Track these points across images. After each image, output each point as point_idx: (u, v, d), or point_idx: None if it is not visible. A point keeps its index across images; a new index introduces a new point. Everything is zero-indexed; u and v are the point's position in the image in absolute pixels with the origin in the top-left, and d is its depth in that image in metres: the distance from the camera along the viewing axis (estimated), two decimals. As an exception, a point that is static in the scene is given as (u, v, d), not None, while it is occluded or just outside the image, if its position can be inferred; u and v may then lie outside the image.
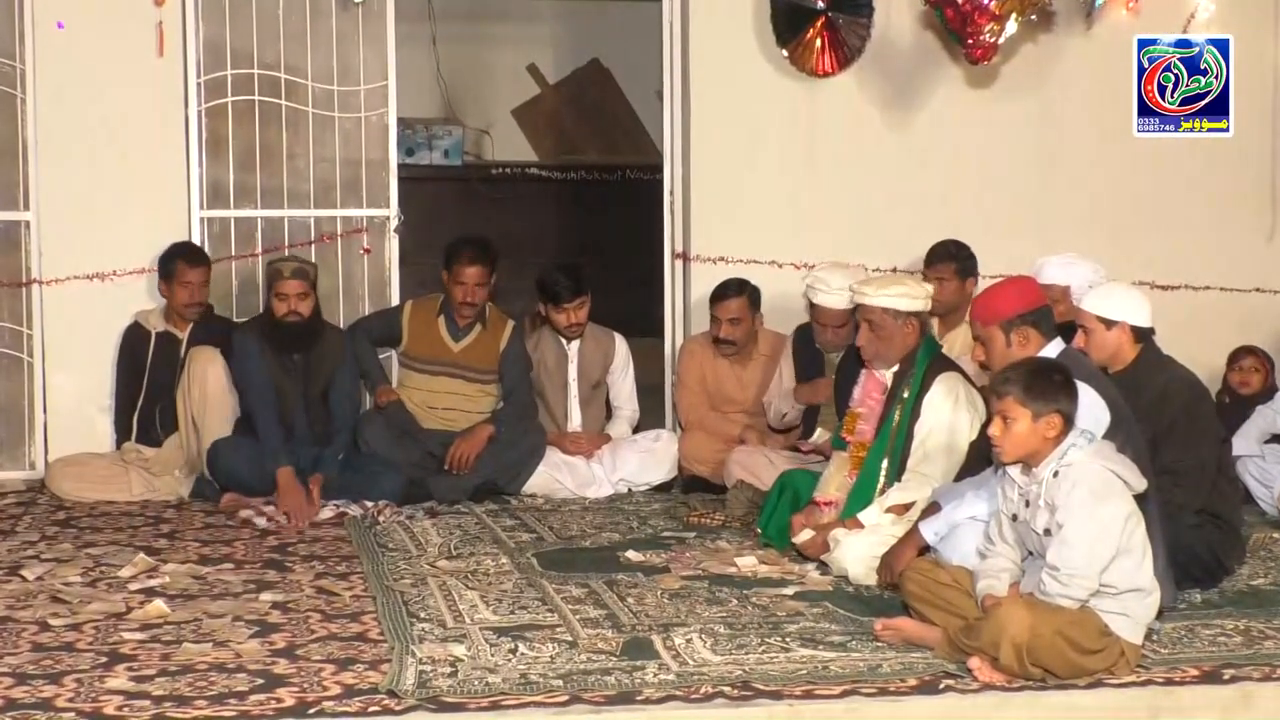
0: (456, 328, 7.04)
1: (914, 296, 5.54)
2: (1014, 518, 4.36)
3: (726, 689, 4.04)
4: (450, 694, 3.97)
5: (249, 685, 4.05)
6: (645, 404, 7.54)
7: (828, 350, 6.63)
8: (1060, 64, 7.75)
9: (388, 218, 7.50)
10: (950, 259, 6.77)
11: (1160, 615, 4.43)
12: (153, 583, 5.20)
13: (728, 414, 7.13)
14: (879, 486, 5.48)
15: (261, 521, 6.23)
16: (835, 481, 5.67)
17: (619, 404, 7.40)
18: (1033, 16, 7.12)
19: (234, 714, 3.83)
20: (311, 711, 3.85)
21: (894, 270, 7.30)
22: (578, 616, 4.76)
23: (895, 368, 5.58)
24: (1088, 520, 4.14)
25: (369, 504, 6.44)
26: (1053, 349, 4.89)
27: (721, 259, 7.47)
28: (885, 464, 5.50)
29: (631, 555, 5.64)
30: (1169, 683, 4.17)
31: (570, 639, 4.50)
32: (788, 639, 4.51)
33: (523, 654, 4.33)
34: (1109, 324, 5.24)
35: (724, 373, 7.13)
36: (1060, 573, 4.13)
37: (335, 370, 6.85)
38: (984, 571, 4.39)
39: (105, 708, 3.86)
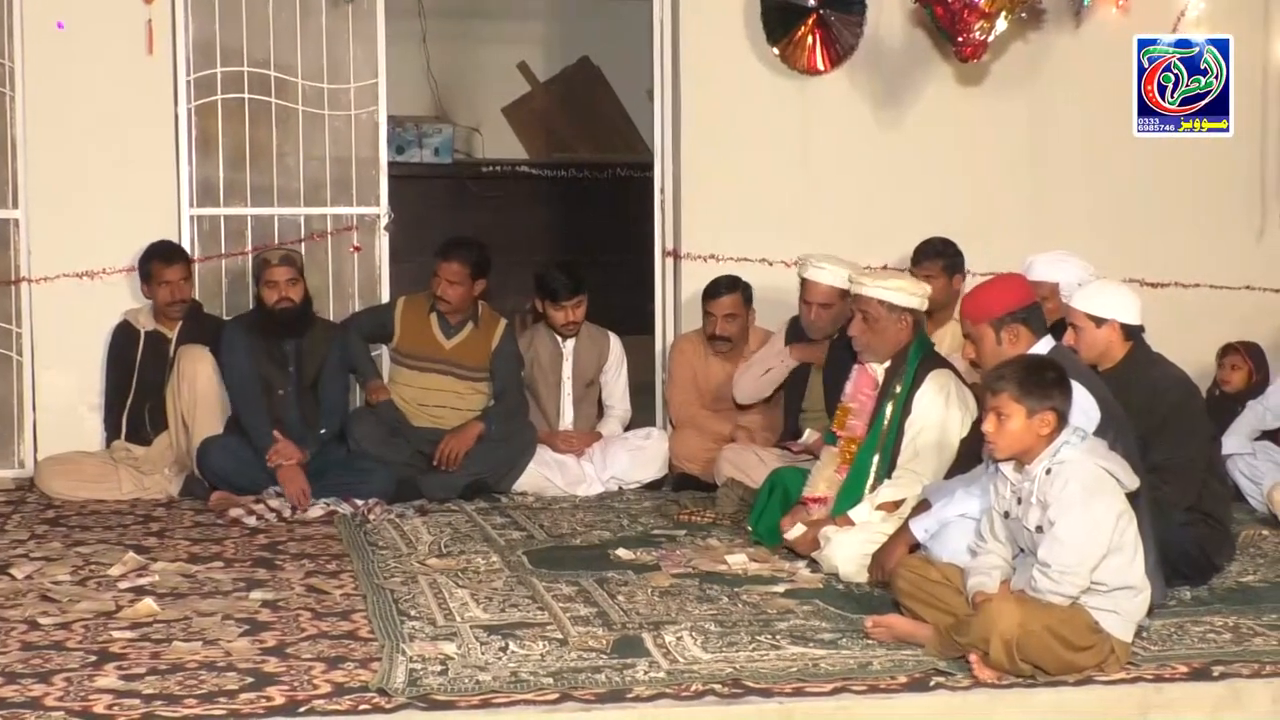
0: (448, 325, 7.03)
1: (911, 293, 5.55)
2: (1006, 515, 4.37)
3: (717, 687, 4.04)
4: (441, 692, 3.97)
5: (239, 684, 4.04)
6: (636, 402, 7.54)
7: (812, 332, 6.62)
8: (1050, 62, 7.76)
9: (378, 216, 7.50)
10: (937, 256, 6.79)
11: (1150, 612, 4.44)
12: (142, 581, 5.19)
13: (719, 412, 7.13)
14: (869, 483, 5.49)
15: (251, 520, 6.23)
16: (825, 477, 5.67)
17: (611, 403, 7.41)
18: (1022, 14, 7.14)
19: (224, 712, 3.82)
20: (301, 710, 3.85)
21: (884, 267, 7.30)
22: (568, 614, 4.75)
23: (887, 364, 5.58)
24: (1080, 517, 4.14)
25: (359, 502, 6.44)
26: (1043, 346, 4.90)
27: (712, 257, 7.47)
28: (876, 460, 5.50)
29: (622, 553, 5.64)
30: (1158, 680, 4.17)
31: (561, 637, 4.50)
32: (778, 636, 4.51)
33: (513, 652, 4.33)
34: (1099, 322, 5.25)
35: (715, 370, 7.13)
36: (1051, 569, 4.13)
37: (325, 359, 6.86)
38: (975, 568, 4.39)
39: (95, 706, 3.86)
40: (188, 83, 7.24)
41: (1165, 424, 5.15)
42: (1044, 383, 4.26)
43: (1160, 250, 7.83)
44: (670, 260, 7.67)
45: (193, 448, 6.68)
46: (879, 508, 5.38)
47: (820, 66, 7.57)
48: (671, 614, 4.78)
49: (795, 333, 6.81)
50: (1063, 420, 4.26)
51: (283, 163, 7.43)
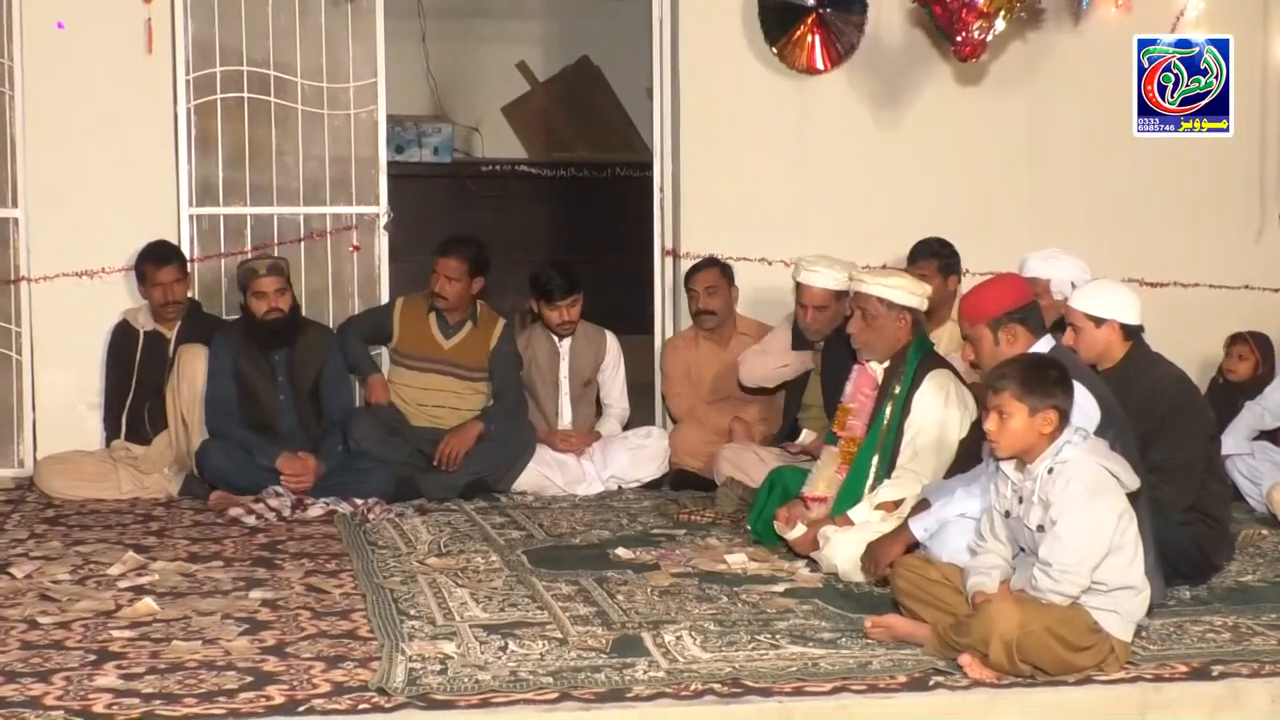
0: (447, 325, 7.04)
1: (911, 292, 5.54)
2: (1006, 514, 4.36)
3: (716, 686, 4.03)
4: (440, 691, 3.97)
5: (238, 683, 4.04)
6: (635, 401, 7.55)
7: (809, 334, 6.64)
8: (1049, 61, 7.77)
9: (377, 215, 7.50)
10: (933, 256, 6.79)
11: (1149, 612, 4.44)
12: (142, 580, 5.19)
13: (716, 404, 7.14)
14: (869, 483, 5.48)
15: (251, 519, 6.22)
16: (824, 477, 5.67)
17: (609, 402, 7.41)
18: (1021, 14, 7.14)
19: (223, 712, 3.82)
20: (301, 709, 3.85)
21: (883, 267, 7.29)
22: (568, 614, 4.75)
23: (886, 364, 5.58)
24: (1081, 517, 4.14)
25: (358, 501, 6.44)
26: (1043, 346, 4.89)
27: (709, 256, 7.47)
28: (875, 460, 5.50)
29: (621, 552, 5.64)
30: (1158, 679, 4.17)
31: (560, 636, 4.50)
32: (777, 636, 4.51)
33: (513, 651, 4.33)
34: (1098, 322, 5.25)
35: (707, 359, 7.16)
36: (1052, 569, 4.13)
37: (323, 366, 6.86)
38: (974, 568, 4.39)
39: (94, 705, 3.85)
40: (187, 82, 7.24)
41: (1164, 424, 5.15)
42: (1046, 381, 4.26)
43: (1159, 250, 7.83)
44: (669, 259, 7.67)
45: (192, 447, 6.69)
46: (878, 507, 5.37)
47: (819, 66, 7.57)
48: (671, 613, 4.78)
49: (798, 332, 6.81)
50: (1065, 419, 4.26)
51: (282, 162, 7.43)
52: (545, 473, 6.96)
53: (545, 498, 6.85)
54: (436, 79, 10.28)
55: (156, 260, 6.93)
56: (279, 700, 3.90)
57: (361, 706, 3.87)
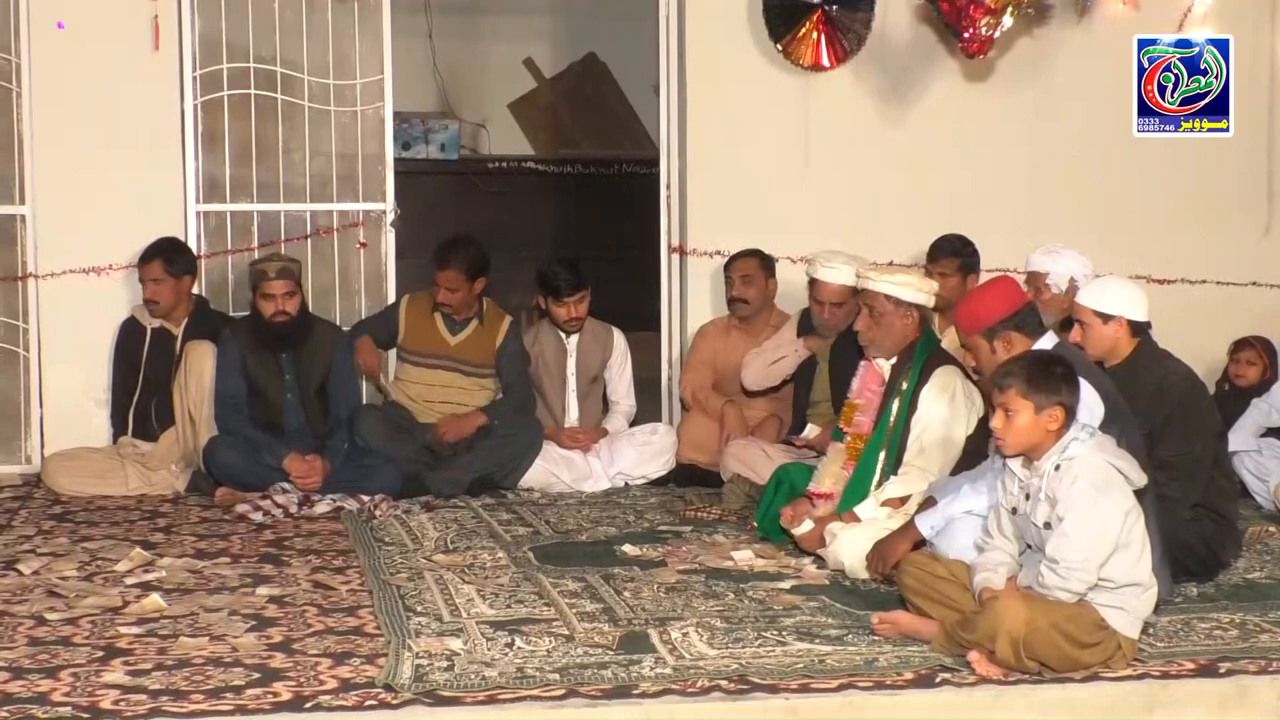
0: (452, 321, 7.05)
1: (918, 289, 5.54)
2: (1013, 511, 4.36)
3: (723, 683, 4.04)
4: (447, 688, 3.97)
5: (245, 679, 4.04)
6: (642, 398, 7.54)
7: (825, 331, 6.64)
8: (1056, 58, 7.75)
9: (384, 212, 7.50)
10: (954, 255, 6.77)
11: (1156, 609, 4.43)
12: (149, 577, 5.19)
13: (728, 396, 7.12)
14: (875, 479, 5.48)
15: (258, 516, 6.23)
16: (830, 473, 5.67)
17: (616, 398, 7.41)
18: (1029, 10, 7.12)
19: (230, 708, 3.83)
20: (308, 705, 3.85)
21: (890, 264, 7.29)
22: (574, 610, 4.76)
23: (894, 360, 5.57)
24: (1088, 514, 4.14)
25: (365, 498, 6.44)
26: (1046, 343, 4.89)
27: (718, 252, 7.47)
28: (882, 457, 5.50)
29: (628, 549, 5.64)
30: (1165, 676, 4.17)
31: (567, 633, 4.50)
32: (784, 633, 4.51)
33: (519, 648, 4.33)
34: (1105, 318, 5.24)
35: (736, 348, 7.13)
36: (1059, 566, 4.13)
37: (331, 364, 6.86)
38: (981, 565, 4.39)
39: (101, 702, 3.86)
40: (194, 79, 7.24)
41: (1171, 420, 5.14)
42: (1052, 378, 4.25)
43: (1166, 247, 7.82)
44: (676, 256, 7.66)
45: (199, 443, 6.69)
46: (884, 504, 5.38)
47: (825, 62, 7.56)
48: (678, 610, 4.78)
49: (807, 324, 6.81)
50: (1071, 416, 4.26)
51: (289, 159, 7.44)
52: (552, 469, 6.96)
53: (552, 494, 6.85)
54: (443, 75, 10.29)
55: (142, 257, 6.94)
56: (286, 696, 3.91)
57: (368, 703, 3.88)
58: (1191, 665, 4.25)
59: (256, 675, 4.08)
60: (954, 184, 7.68)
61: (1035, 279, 6.40)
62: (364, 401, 7.15)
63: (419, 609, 4.77)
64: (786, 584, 5.13)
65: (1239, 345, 7.17)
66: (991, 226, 7.43)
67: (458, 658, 4.22)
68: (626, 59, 10.08)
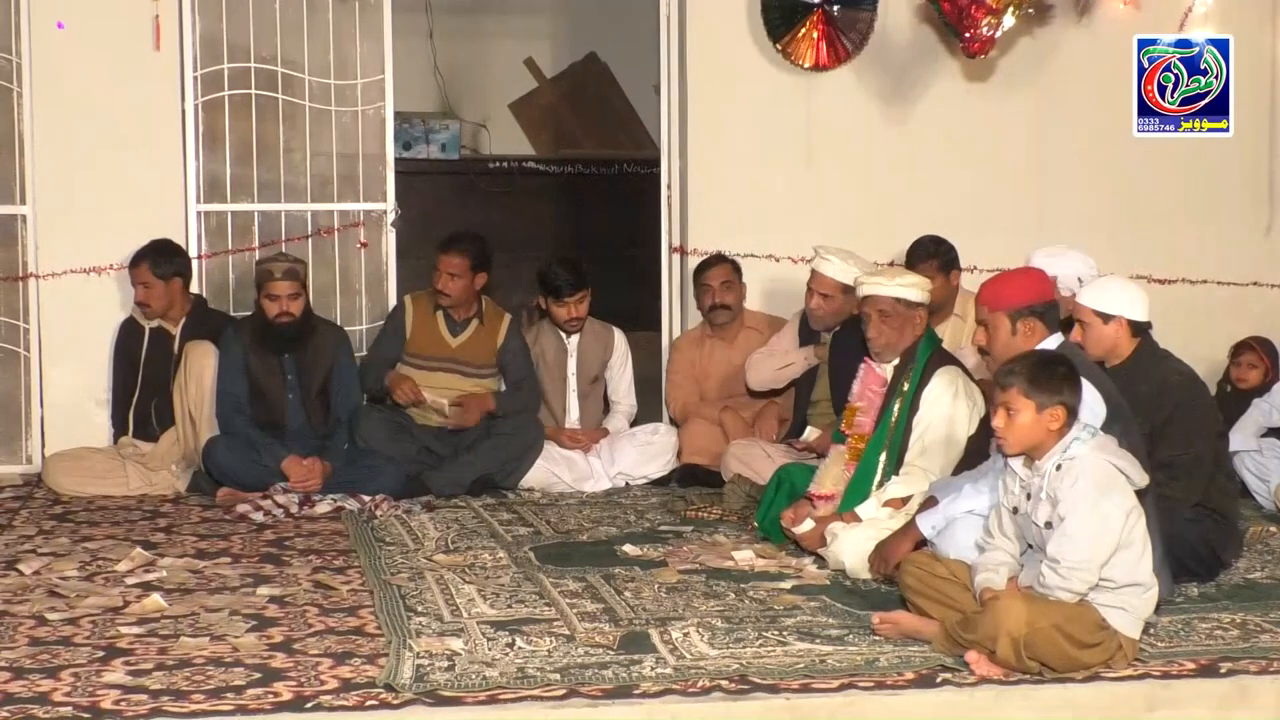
0: (454, 322, 7.04)
1: (922, 289, 5.57)
2: (1015, 511, 4.36)
3: (724, 683, 4.04)
4: (447, 688, 3.97)
5: (246, 679, 4.04)
6: (643, 398, 7.54)
7: (813, 322, 6.65)
8: (1057, 58, 7.75)
9: (385, 212, 7.50)
10: (930, 257, 6.78)
11: (1157, 609, 4.43)
12: (150, 577, 5.20)
13: (722, 402, 7.12)
14: (876, 480, 5.48)
15: (258, 516, 6.23)
16: (831, 475, 5.67)
17: (617, 398, 7.41)
18: (1029, 10, 7.12)
19: (231, 708, 3.83)
20: (308, 705, 3.85)
21: (890, 264, 7.29)
22: (575, 610, 4.76)
23: (895, 361, 5.58)
24: (1089, 514, 4.14)
25: (366, 498, 6.44)
26: (1051, 343, 4.89)
27: (719, 253, 7.47)
28: (883, 457, 5.50)
29: (629, 549, 5.64)
30: (1166, 676, 4.17)
31: (568, 633, 4.50)
32: (785, 633, 4.51)
33: (520, 648, 4.33)
34: (1106, 318, 5.24)
35: (713, 357, 7.16)
36: (1060, 566, 4.13)
37: (333, 365, 6.86)
38: (982, 565, 4.39)
39: (102, 702, 3.86)
40: (195, 79, 7.25)
41: (1172, 420, 5.14)
42: (1054, 378, 4.25)
43: (1167, 247, 7.82)
44: (677, 256, 7.67)
45: (200, 443, 6.69)
46: (886, 504, 5.37)
47: (826, 62, 7.56)
48: (678, 610, 4.78)
49: (807, 323, 6.81)
50: (1072, 416, 4.26)
51: (289, 159, 7.44)
52: (553, 469, 6.96)
53: (553, 494, 6.85)
54: (444, 75, 10.29)
55: (131, 261, 6.95)
56: (287, 697, 3.91)
57: (369, 703, 3.88)
58: (1192, 665, 4.25)
59: (257, 675, 4.08)
60: (955, 184, 7.68)
61: None
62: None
63: (420, 609, 4.77)
64: (787, 584, 5.13)
65: (1239, 348, 7.16)
66: (992, 226, 7.44)
67: (458, 658, 4.22)
68: (627, 59, 10.08)
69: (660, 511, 6.45)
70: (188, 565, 5.39)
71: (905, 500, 5.33)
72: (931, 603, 4.48)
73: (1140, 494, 4.30)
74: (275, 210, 7.41)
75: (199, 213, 7.31)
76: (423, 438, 6.89)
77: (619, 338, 7.40)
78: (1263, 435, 6.60)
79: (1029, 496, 4.29)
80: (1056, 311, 5.04)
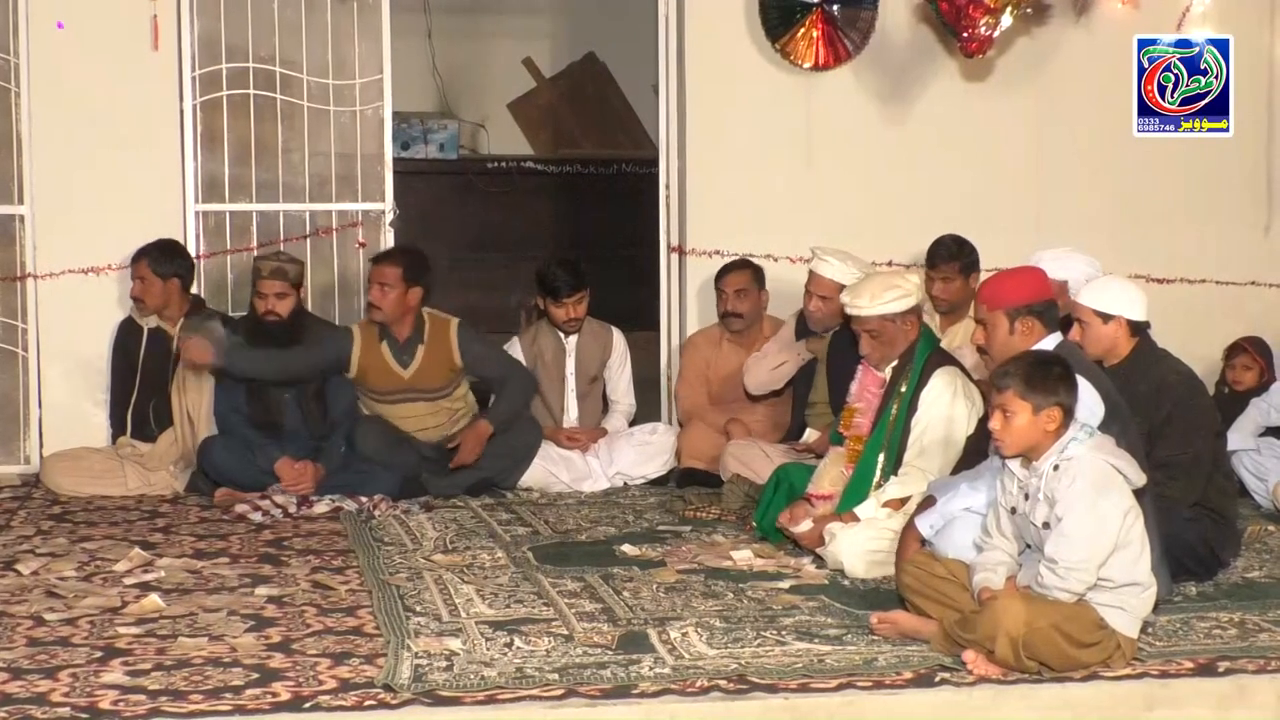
0: (399, 349, 6.79)
1: (906, 294, 5.53)
2: (1013, 511, 4.36)
3: (722, 682, 4.03)
4: (446, 688, 3.97)
5: (244, 679, 4.04)
6: (641, 398, 7.54)
7: (812, 323, 6.64)
8: (1056, 57, 7.75)
9: (383, 211, 7.50)
10: (954, 259, 6.77)
11: (1155, 608, 4.43)
12: (148, 577, 5.19)
13: (727, 405, 7.11)
14: (875, 480, 5.48)
15: (257, 516, 6.23)
16: (830, 475, 5.67)
17: (615, 398, 7.40)
18: (1028, 9, 7.13)
19: (229, 708, 3.82)
20: (307, 706, 3.85)
21: (889, 264, 7.30)
22: (573, 610, 4.75)
23: (894, 362, 5.58)
24: (1087, 514, 4.14)
25: (364, 498, 6.43)
26: (1050, 342, 4.89)
27: (717, 252, 7.47)
28: (882, 458, 5.50)
29: (627, 549, 5.64)
30: (1164, 675, 4.17)
31: (566, 633, 4.50)
32: (783, 632, 4.51)
33: (518, 648, 4.33)
34: (1105, 318, 5.24)
35: (728, 360, 7.12)
36: (1058, 566, 4.13)
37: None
38: (980, 564, 4.39)
39: (100, 702, 3.86)
40: (193, 79, 7.24)
41: (1171, 420, 5.14)
42: (1050, 379, 4.25)
43: (1166, 246, 7.82)
44: (675, 256, 7.66)
45: (198, 443, 6.68)
46: (885, 504, 5.37)
47: (825, 62, 7.56)
48: (677, 610, 4.78)
49: (803, 325, 6.81)
50: (1069, 416, 4.26)
51: (288, 159, 7.44)
52: (551, 469, 6.95)
53: (551, 494, 6.85)
54: (442, 75, 10.29)
55: (134, 255, 6.94)
56: (285, 697, 3.90)
57: (367, 703, 3.87)
58: (1191, 664, 4.25)
59: (255, 675, 4.07)
60: (954, 183, 7.68)
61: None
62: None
63: (418, 609, 4.76)
64: (786, 584, 5.13)
65: (1233, 350, 7.16)
66: (991, 226, 7.43)
67: (457, 658, 4.22)
68: (626, 59, 10.08)
69: (659, 511, 6.44)
70: (186, 565, 5.38)
71: (904, 501, 5.33)
72: (930, 602, 4.48)
73: (1139, 493, 4.30)
74: (273, 210, 7.41)
75: (197, 212, 7.31)
76: (421, 449, 6.83)
77: (618, 338, 7.39)
78: (1261, 435, 6.60)
79: (1027, 497, 4.29)
80: (1055, 310, 5.04)
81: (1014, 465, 4.34)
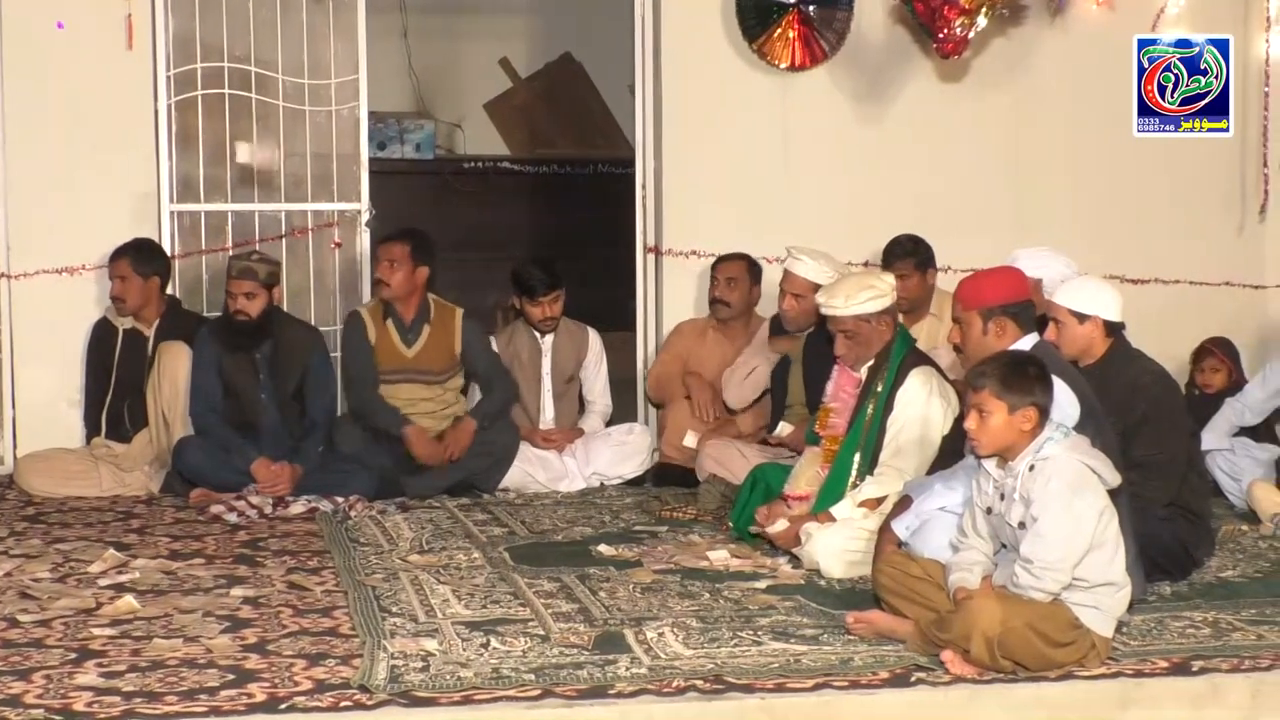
0: (405, 329, 6.90)
1: (881, 294, 5.54)
2: (988, 511, 4.37)
3: (698, 683, 4.04)
4: (422, 689, 3.96)
5: (220, 681, 4.03)
6: (617, 398, 7.54)
7: (787, 323, 6.65)
8: (1032, 58, 7.77)
9: (359, 211, 7.49)
10: (908, 255, 6.79)
11: (1130, 607, 4.45)
12: (123, 578, 5.17)
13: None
14: (851, 480, 5.49)
15: (232, 517, 6.21)
16: (806, 476, 5.67)
17: (592, 398, 7.40)
18: (1003, 11, 7.14)
19: (205, 710, 3.81)
20: (283, 707, 3.84)
21: (865, 264, 7.31)
22: (550, 611, 4.75)
23: (870, 362, 5.59)
24: (1062, 514, 4.15)
25: (340, 499, 6.42)
26: (1027, 342, 4.91)
27: (694, 253, 7.48)
28: (857, 458, 5.51)
29: (604, 549, 5.64)
30: (1139, 674, 4.18)
31: (542, 633, 4.50)
32: (760, 632, 4.51)
33: (495, 648, 4.32)
34: (1081, 318, 5.26)
35: (710, 351, 7.13)
36: (1033, 565, 4.14)
37: (307, 367, 6.83)
38: (956, 564, 4.40)
39: (75, 704, 3.84)
40: (168, 78, 7.22)
41: (1145, 420, 5.16)
42: (1025, 379, 4.27)
43: (1141, 247, 7.85)
44: (652, 256, 7.66)
45: (173, 444, 6.66)
46: (861, 504, 5.38)
47: (801, 63, 7.57)
48: (653, 610, 4.78)
49: (778, 326, 6.81)
50: (1044, 416, 4.27)
51: (263, 158, 7.41)
52: (528, 469, 6.95)
53: (528, 494, 6.85)
54: (419, 75, 10.27)
55: (112, 254, 6.92)
56: (260, 698, 3.89)
57: (343, 704, 3.87)
58: (1165, 663, 4.27)
59: (231, 677, 4.06)
60: (930, 184, 7.69)
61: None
62: (341, 401, 7.11)
63: (394, 609, 4.76)
64: (762, 584, 5.14)
65: (1200, 353, 7.17)
66: (967, 226, 7.46)
67: (433, 658, 4.22)
68: (602, 59, 10.07)
69: (635, 511, 6.44)
70: (161, 566, 5.37)
71: (880, 501, 5.34)
72: (906, 602, 4.49)
73: (1114, 493, 4.32)
74: (249, 210, 7.39)
75: (172, 212, 7.29)
76: (401, 446, 6.83)
77: (594, 338, 7.40)
78: (1234, 435, 6.63)
79: (1002, 497, 4.30)
80: (1031, 311, 5.05)
81: (989, 465, 4.35)
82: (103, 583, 5.11)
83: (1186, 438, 5.40)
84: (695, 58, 7.54)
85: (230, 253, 7.23)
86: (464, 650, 4.30)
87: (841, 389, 5.66)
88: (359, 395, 6.93)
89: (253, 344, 6.72)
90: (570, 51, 10.52)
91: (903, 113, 7.70)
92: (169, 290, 7.10)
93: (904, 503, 5.03)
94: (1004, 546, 4.37)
